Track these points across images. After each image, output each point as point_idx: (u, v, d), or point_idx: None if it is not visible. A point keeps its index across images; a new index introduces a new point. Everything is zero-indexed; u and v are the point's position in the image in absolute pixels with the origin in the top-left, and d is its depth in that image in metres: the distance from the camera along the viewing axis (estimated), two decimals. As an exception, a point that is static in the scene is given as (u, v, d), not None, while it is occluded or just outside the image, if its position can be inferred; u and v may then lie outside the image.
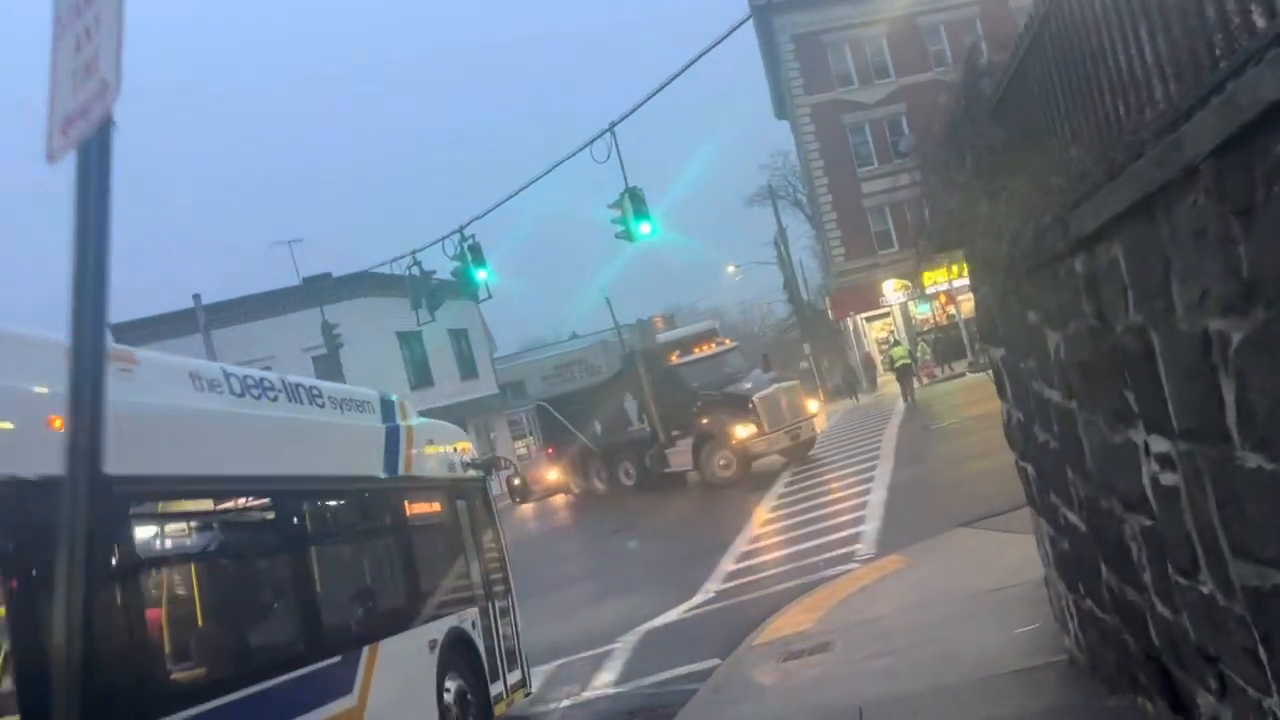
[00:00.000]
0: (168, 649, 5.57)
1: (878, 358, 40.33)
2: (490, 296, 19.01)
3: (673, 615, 11.94)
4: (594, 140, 15.78)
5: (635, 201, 15.92)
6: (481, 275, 18.99)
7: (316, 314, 28.22)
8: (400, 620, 7.75)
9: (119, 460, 3.46)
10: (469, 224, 18.99)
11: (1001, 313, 5.42)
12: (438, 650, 7.98)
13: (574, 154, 16.23)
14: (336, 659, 6.53)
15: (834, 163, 40.45)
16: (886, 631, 8.45)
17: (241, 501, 6.46)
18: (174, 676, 5.42)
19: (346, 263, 25.56)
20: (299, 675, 6.07)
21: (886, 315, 41.45)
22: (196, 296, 28.39)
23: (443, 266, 20.00)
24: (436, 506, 9.10)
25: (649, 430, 24.88)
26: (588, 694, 9.50)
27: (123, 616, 4.88)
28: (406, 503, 8.45)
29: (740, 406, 22.66)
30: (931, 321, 40.95)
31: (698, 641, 10.44)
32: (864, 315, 41.58)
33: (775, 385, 23.64)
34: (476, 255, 18.88)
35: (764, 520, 17.00)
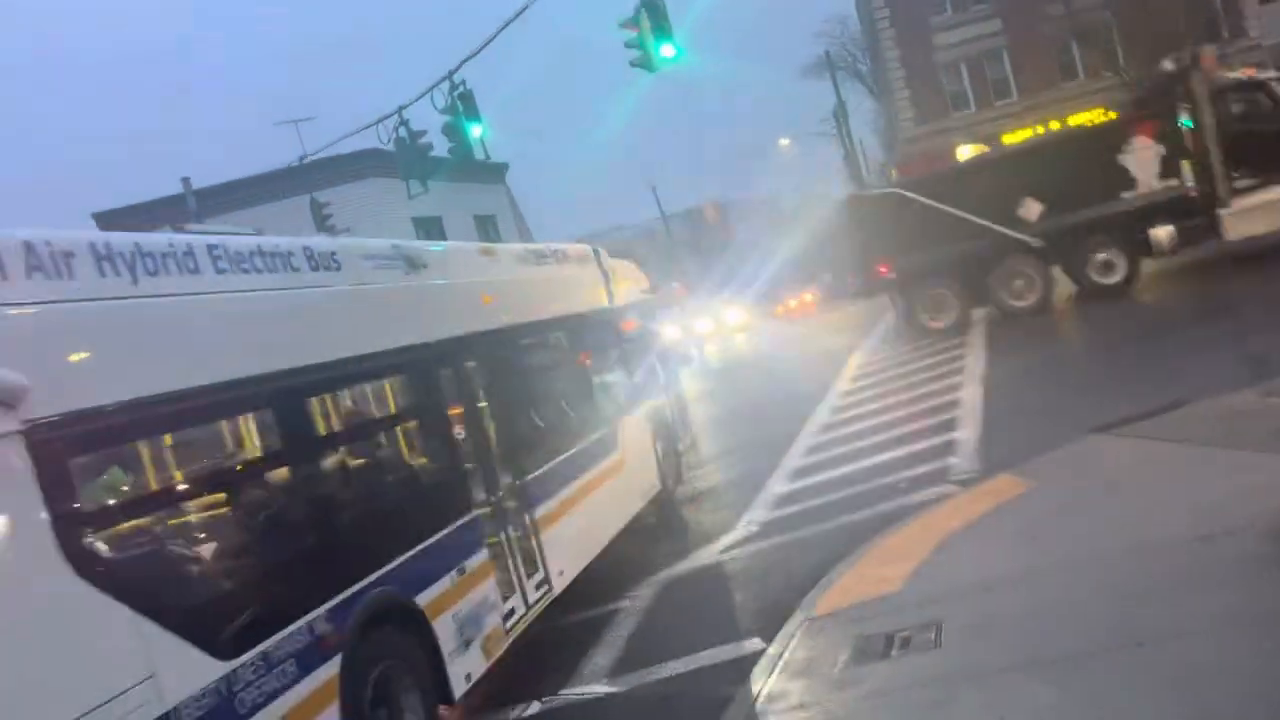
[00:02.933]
0: (545, 423, 8.83)
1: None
2: (488, 157, 15.70)
3: (700, 559, 8.86)
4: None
5: (655, 16, 12.16)
6: (476, 130, 15.54)
7: (319, 196, 25.04)
8: (629, 404, 10.91)
9: (499, 315, 8.14)
10: (459, 67, 15.44)
11: None
12: (649, 423, 11.16)
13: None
14: (608, 429, 9.91)
15: (902, 12, 35.38)
16: (1028, 613, 5.22)
17: (554, 334, 9.83)
18: (548, 439, 8.57)
19: (357, 141, 21.97)
20: (597, 437, 9.54)
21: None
22: (186, 180, 25.31)
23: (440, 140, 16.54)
24: (635, 324, 12.16)
25: (1187, 187, 17.48)
26: (566, 693, 6.39)
27: (529, 401, 8.75)
28: (622, 323, 11.71)
29: None
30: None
31: (732, 603, 7.39)
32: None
33: None
34: (469, 106, 15.33)
35: (822, 425, 13.75)
